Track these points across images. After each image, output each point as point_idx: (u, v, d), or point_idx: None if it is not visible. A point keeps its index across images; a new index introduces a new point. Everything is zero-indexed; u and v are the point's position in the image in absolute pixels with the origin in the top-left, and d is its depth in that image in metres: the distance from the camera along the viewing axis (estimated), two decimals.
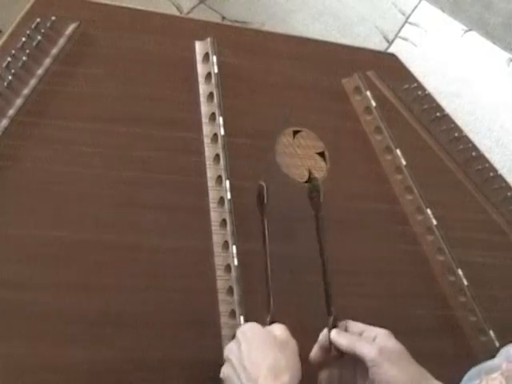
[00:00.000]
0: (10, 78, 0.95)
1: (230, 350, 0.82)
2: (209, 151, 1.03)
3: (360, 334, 0.85)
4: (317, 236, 0.91)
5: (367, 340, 0.83)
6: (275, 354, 0.78)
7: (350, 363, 0.84)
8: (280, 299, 0.88)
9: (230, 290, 0.94)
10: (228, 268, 0.95)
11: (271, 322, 0.85)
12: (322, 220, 0.92)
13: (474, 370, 0.67)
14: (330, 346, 0.85)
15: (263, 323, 0.84)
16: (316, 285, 0.91)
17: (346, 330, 0.86)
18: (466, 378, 0.67)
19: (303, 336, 0.83)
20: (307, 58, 1.20)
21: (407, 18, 1.59)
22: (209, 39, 1.10)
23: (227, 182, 0.99)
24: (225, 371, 0.82)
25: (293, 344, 0.81)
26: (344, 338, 0.84)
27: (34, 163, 0.93)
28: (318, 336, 0.87)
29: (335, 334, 0.85)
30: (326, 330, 0.86)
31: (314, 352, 0.86)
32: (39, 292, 0.86)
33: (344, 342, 0.84)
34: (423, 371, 0.82)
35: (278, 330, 0.82)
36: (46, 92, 0.97)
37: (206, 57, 1.09)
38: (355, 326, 0.86)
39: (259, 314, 0.90)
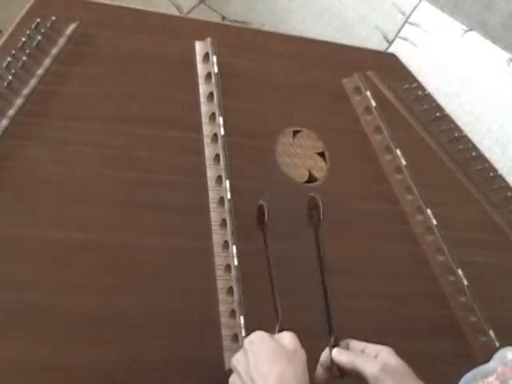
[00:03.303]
0: (9, 77, 0.95)
1: (237, 360, 0.80)
2: (209, 151, 1.03)
3: (362, 352, 0.84)
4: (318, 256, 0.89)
5: (369, 357, 0.83)
6: (282, 365, 0.77)
7: (354, 382, 0.84)
8: (280, 300, 0.88)
9: (230, 290, 0.94)
10: (228, 268, 0.95)
11: (280, 330, 0.84)
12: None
13: (469, 374, 0.66)
14: (332, 365, 0.84)
15: (267, 326, 0.83)
16: (317, 285, 0.91)
17: (347, 348, 0.85)
18: (461, 382, 0.67)
19: (306, 338, 0.82)
20: (307, 57, 1.20)
21: (407, 18, 1.59)
22: (209, 39, 1.10)
23: (227, 182, 0.99)
24: (232, 382, 0.81)
25: (301, 354, 0.79)
26: (346, 355, 0.84)
27: (34, 163, 0.93)
28: (320, 338, 0.86)
29: (337, 353, 0.84)
30: (327, 350, 0.85)
31: (317, 372, 0.85)
32: (39, 292, 0.86)
33: (346, 359, 0.83)
34: None
35: (287, 338, 0.80)
36: (45, 92, 0.97)
37: (206, 57, 1.09)
38: (357, 344, 0.85)
39: (259, 314, 0.90)
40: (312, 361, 0.85)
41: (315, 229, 0.90)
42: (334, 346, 0.85)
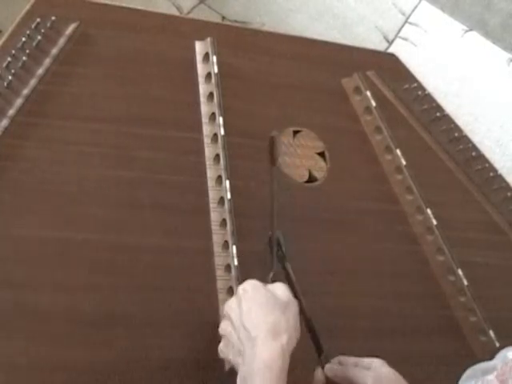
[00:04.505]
0: (9, 77, 0.95)
1: (229, 307, 0.81)
2: (209, 151, 1.03)
3: (354, 366, 0.84)
4: (289, 281, 0.88)
5: (362, 369, 0.83)
6: (275, 315, 0.77)
7: None
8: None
9: (230, 290, 0.94)
10: (228, 268, 0.95)
11: (273, 281, 0.84)
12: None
13: (470, 370, 0.67)
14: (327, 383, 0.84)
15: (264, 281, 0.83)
16: (316, 283, 0.91)
17: (339, 365, 0.85)
18: (464, 376, 0.67)
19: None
20: (307, 57, 1.20)
21: (407, 18, 1.59)
22: (209, 39, 1.10)
23: (227, 182, 0.99)
24: (223, 328, 0.81)
25: (293, 305, 0.80)
26: (338, 370, 0.84)
27: (34, 163, 0.93)
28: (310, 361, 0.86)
29: (329, 369, 0.84)
30: (320, 369, 0.85)
31: None
32: (39, 292, 0.86)
33: (340, 374, 0.83)
34: None
35: (280, 289, 0.81)
36: (45, 92, 0.97)
37: (206, 57, 1.09)
38: (348, 359, 0.85)
39: None
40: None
41: (282, 264, 0.91)
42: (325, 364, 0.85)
